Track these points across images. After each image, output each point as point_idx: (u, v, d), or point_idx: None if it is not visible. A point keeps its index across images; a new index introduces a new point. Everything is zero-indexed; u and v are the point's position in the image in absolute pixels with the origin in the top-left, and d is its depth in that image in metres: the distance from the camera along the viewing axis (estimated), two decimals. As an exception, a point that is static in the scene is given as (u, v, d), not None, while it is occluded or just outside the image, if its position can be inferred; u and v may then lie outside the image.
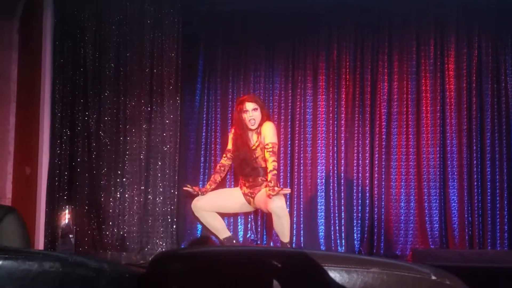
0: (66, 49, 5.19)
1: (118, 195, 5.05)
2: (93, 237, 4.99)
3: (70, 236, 4.63)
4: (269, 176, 4.25)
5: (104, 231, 4.99)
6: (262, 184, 4.46)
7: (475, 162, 5.02)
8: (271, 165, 4.26)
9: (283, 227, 4.30)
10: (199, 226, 5.35)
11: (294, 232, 5.26)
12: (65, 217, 4.74)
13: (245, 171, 4.53)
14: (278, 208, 4.19)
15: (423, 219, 5.07)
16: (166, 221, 5.04)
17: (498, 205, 4.95)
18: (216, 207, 4.67)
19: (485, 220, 4.96)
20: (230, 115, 5.36)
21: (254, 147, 4.50)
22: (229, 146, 4.75)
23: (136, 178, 5.06)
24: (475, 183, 5.01)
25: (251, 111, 4.44)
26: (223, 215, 4.88)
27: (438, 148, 5.10)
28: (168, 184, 5.08)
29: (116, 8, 5.19)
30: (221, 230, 4.69)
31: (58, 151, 5.10)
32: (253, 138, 4.55)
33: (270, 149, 4.31)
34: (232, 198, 4.70)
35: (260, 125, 4.51)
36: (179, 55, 5.19)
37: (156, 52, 5.17)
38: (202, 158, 5.45)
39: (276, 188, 4.11)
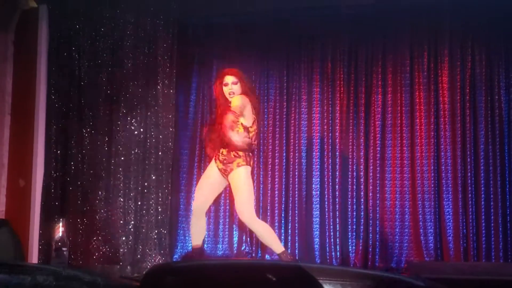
0: (61, 62, 5.20)
1: (112, 208, 5.03)
2: (87, 250, 4.96)
3: (64, 249, 4.60)
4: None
5: (98, 243, 4.96)
6: (234, 160, 4.24)
7: (469, 174, 5.03)
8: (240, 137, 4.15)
9: (264, 239, 4.28)
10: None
11: (289, 244, 5.25)
12: (59, 230, 4.71)
13: (221, 142, 4.30)
14: (247, 220, 4.19)
15: (418, 231, 5.06)
16: (160, 233, 5.03)
17: (492, 217, 4.95)
18: (210, 199, 4.49)
19: (479, 232, 4.96)
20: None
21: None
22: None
23: (130, 191, 5.05)
24: (469, 195, 5.01)
25: (231, 84, 4.34)
26: (216, 200, 4.71)
27: (432, 160, 5.11)
28: (161, 195, 5.07)
29: (111, 21, 5.20)
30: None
31: (52, 164, 5.09)
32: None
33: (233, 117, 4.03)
34: (211, 180, 4.45)
35: None
36: (174, 67, 5.21)
37: (150, 64, 5.18)
38: (195, 170, 5.45)
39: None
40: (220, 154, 4.30)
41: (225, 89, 4.35)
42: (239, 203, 4.23)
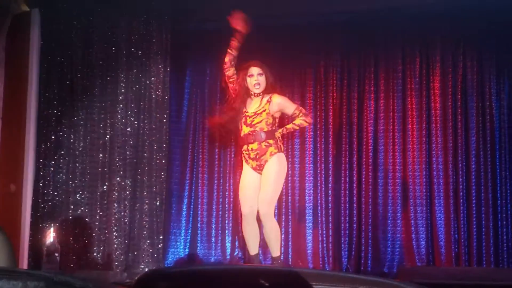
0: (53, 67, 5.18)
1: (104, 213, 5.01)
2: (79, 256, 4.94)
3: (55, 254, 4.57)
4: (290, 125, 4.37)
5: (90, 249, 4.94)
6: (267, 151, 4.24)
7: (460, 179, 5.05)
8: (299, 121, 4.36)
9: (269, 239, 4.27)
10: (184, 243, 5.34)
11: (282, 249, 5.23)
12: (50, 235, 4.68)
13: (247, 139, 4.31)
14: (266, 212, 4.19)
15: (410, 236, 5.08)
16: (152, 239, 5.01)
17: (483, 222, 4.97)
18: (256, 201, 4.32)
19: (471, 237, 4.98)
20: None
21: (259, 111, 4.31)
22: None
23: (122, 196, 5.02)
24: (461, 200, 5.03)
25: (256, 76, 4.35)
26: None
27: (424, 166, 5.13)
28: (154, 201, 5.05)
29: (103, 26, 5.19)
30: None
31: (43, 169, 5.07)
32: (255, 103, 4.36)
33: (299, 112, 4.33)
34: (252, 185, 4.34)
35: (266, 92, 4.37)
36: (167, 72, 5.19)
37: (143, 69, 5.17)
38: (187, 175, 5.44)
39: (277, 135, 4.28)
40: (250, 152, 4.27)
41: (250, 80, 4.34)
42: (264, 193, 4.19)
